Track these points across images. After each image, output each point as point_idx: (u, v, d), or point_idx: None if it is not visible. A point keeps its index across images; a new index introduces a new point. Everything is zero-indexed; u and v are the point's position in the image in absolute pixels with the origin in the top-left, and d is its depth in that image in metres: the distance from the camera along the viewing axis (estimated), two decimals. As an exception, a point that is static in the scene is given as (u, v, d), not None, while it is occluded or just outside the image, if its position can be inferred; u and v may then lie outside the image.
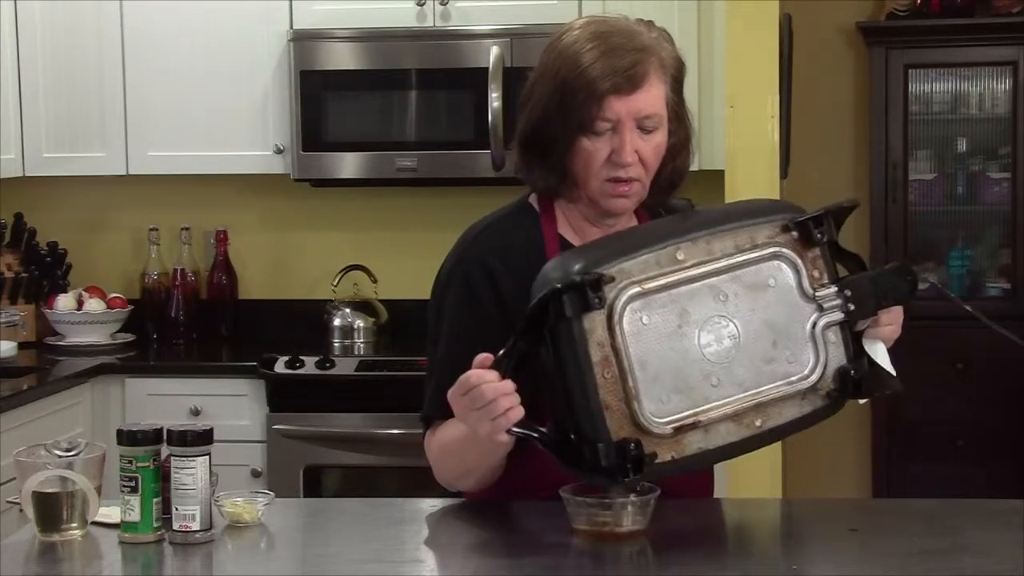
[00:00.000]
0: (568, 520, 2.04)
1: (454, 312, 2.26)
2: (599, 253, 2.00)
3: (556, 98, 2.16)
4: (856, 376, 2.04)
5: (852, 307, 2.05)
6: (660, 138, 2.20)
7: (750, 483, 3.53)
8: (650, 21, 2.24)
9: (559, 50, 2.19)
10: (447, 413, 2.08)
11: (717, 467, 2.36)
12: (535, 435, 1.98)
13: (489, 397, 1.95)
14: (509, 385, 1.96)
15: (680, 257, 1.99)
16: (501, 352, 1.96)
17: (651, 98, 2.16)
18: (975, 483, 4.85)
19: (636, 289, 1.95)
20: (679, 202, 2.37)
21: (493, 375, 1.96)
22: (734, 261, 2.01)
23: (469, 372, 1.97)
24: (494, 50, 4.07)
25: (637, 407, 1.93)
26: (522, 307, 2.01)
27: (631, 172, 2.18)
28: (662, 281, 1.97)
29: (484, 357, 1.98)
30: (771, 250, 2.03)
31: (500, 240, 2.27)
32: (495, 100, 4.05)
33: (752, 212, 2.08)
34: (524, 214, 2.29)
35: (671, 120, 2.21)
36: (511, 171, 4.22)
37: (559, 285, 1.93)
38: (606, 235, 2.20)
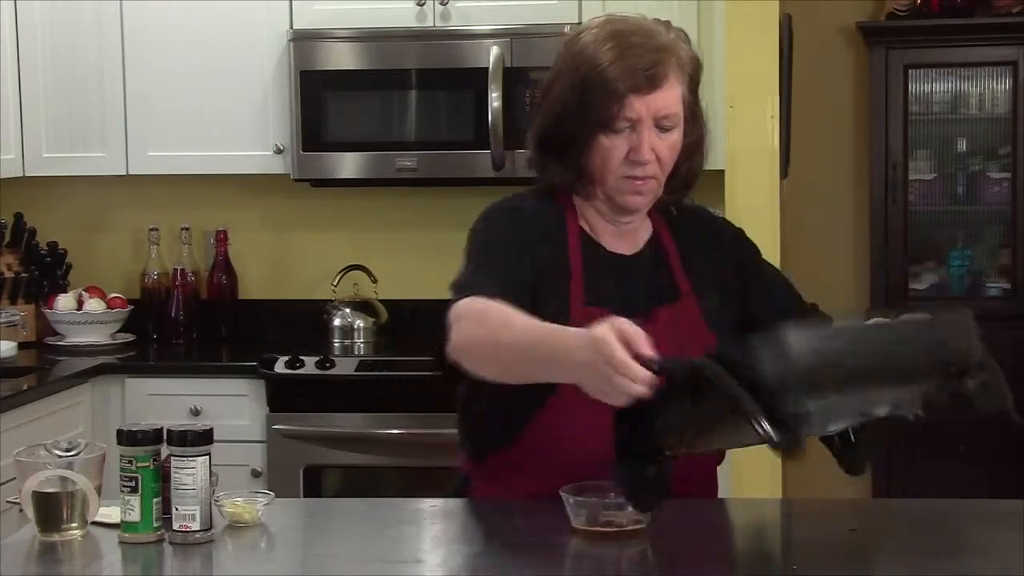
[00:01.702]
0: (568, 520, 2.04)
1: (502, 230, 2.22)
2: (822, 372, 1.80)
3: (576, 96, 2.18)
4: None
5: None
6: (676, 137, 2.21)
7: (750, 483, 3.53)
8: (667, 21, 2.26)
9: (578, 48, 2.20)
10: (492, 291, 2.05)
11: (721, 468, 2.36)
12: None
13: (624, 380, 1.82)
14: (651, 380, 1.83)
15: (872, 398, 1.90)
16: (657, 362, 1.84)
17: (670, 97, 2.18)
18: (975, 484, 4.85)
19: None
20: (691, 203, 2.37)
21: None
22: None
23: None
24: (494, 50, 4.07)
25: None
26: (536, 269, 2.08)
27: (648, 170, 2.20)
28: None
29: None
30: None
31: (526, 212, 2.26)
32: (495, 100, 4.05)
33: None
34: (546, 199, 2.29)
35: (687, 119, 2.23)
36: (511, 171, 4.26)
37: (763, 410, 1.76)
38: (836, 328, 2.07)
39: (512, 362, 2.01)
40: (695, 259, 2.32)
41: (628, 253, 2.30)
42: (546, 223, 2.25)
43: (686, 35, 2.25)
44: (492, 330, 2.03)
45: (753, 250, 2.41)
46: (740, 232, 2.42)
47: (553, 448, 2.19)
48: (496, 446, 2.26)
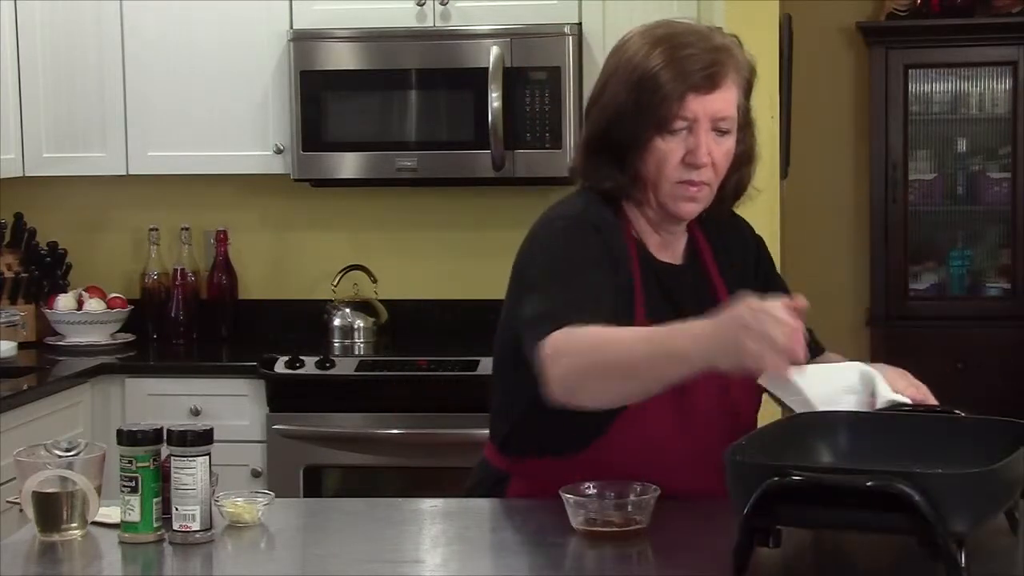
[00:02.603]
0: (568, 520, 2.04)
1: (576, 248, 2.13)
2: None
3: (633, 97, 2.14)
4: None
5: None
6: (731, 143, 2.18)
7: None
8: (719, 28, 2.23)
9: (632, 51, 2.17)
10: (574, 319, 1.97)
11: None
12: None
13: (783, 328, 1.81)
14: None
15: None
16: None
17: (727, 99, 2.15)
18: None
19: None
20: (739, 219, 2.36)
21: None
22: None
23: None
24: (494, 50, 4.07)
25: None
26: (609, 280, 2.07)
27: (704, 175, 2.16)
28: None
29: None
30: None
31: (590, 214, 2.19)
32: (495, 100, 4.05)
33: None
34: (601, 204, 2.22)
35: (740, 127, 2.20)
36: (511, 171, 4.25)
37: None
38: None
39: (628, 379, 1.95)
40: (727, 264, 2.32)
41: (675, 263, 2.28)
42: (614, 234, 2.19)
43: (739, 41, 2.22)
44: (596, 354, 1.96)
45: (771, 260, 2.42)
46: (762, 240, 2.42)
47: (624, 452, 2.16)
48: (565, 449, 2.19)
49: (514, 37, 4.09)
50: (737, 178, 2.24)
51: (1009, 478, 1.83)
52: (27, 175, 4.35)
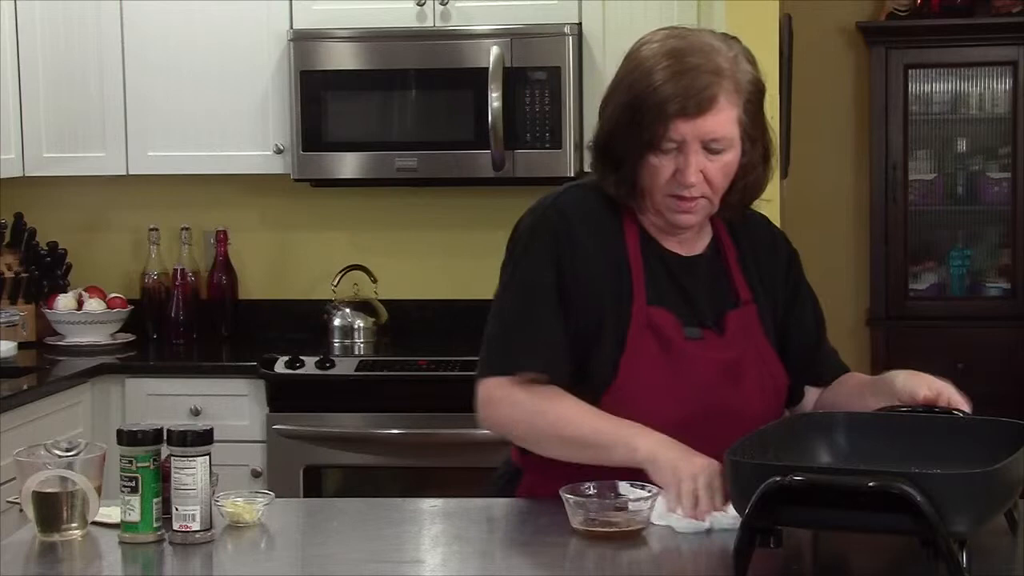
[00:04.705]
0: (568, 520, 2.04)
1: (527, 265, 2.27)
2: None
3: (627, 114, 2.18)
4: None
5: None
6: (729, 158, 2.20)
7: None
8: (734, 37, 2.25)
9: (636, 63, 2.20)
10: (524, 365, 2.19)
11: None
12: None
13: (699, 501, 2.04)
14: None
15: None
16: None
17: (720, 121, 2.17)
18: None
19: None
20: (753, 212, 2.38)
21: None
22: None
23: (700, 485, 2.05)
24: (494, 50, 4.07)
25: None
26: (588, 279, 2.18)
27: (695, 191, 2.19)
28: None
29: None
30: None
31: (576, 207, 2.28)
32: (495, 100, 4.05)
33: None
34: (601, 193, 2.29)
35: (743, 140, 2.21)
36: (511, 171, 4.26)
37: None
38: None
39: (566, 447, 2.17)
40: (753, 266, 2.34)
41: (687, 254, 2.30)
42: (600, 218, 2.26)
43: (751, 54, 2.23)
44: (537, 418, 2.20)
45: (802, 275, 2.42)
46: (795, 253, 2.43)
47: None
48: None
49: (514, 37, 4.09)
50: (744, 185, 2.26)
51: (1009, 478, 1.83)
52: (27, 175, 4.35)
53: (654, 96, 2.15)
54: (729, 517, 2.00)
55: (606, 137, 2.23)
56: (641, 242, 2.26)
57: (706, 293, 2.28)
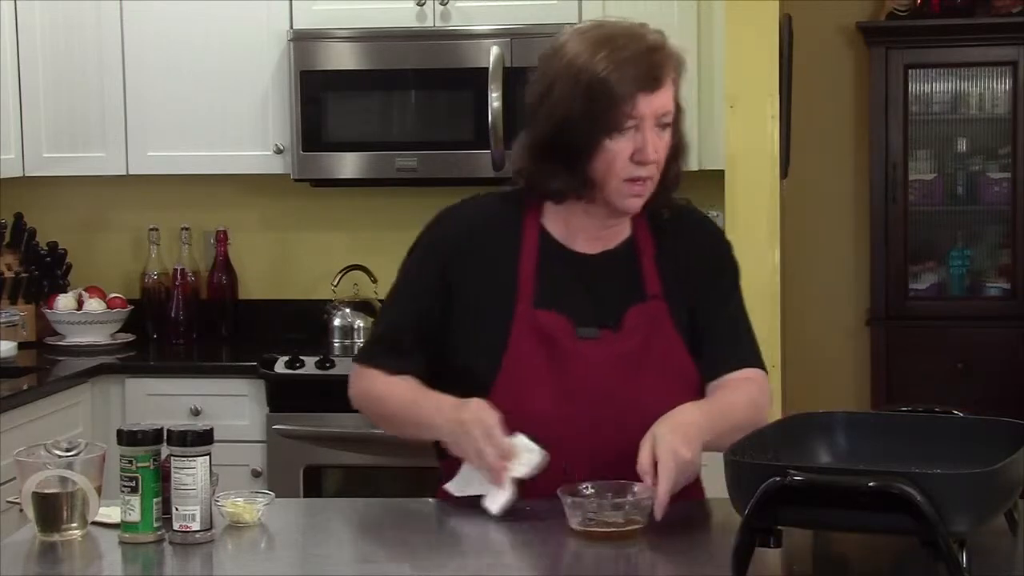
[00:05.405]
0: (567, 520, 2.04)
1: (408, 274, 2.38)
2: None
3: (581, 104, 2.17)
4: None
5: None
6: (669, 136, 2.24)
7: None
8: (644, 24, 2.26)
9: (572, 54, 2.20)
10: (378, 362, 2.34)
11: (716, 467, 2.36)
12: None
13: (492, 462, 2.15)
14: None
15: None
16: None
17: (668, 96, 2.21)
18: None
19: None
20: (686, 204, 2.39)
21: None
22: None
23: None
24: (494, 50, 4.07)
25: None
26: (476, 284, 2.26)
27: (651, 170, 2.21)
28: None
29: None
30: None
31: (474, 215, 2.35)
32: (495, 100, 4.05)
33: None
34: (509, 200, 2.34)
35: (675, 118, 2.24)
36: (511, 171, 4.23)
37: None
38: None
39: (396, 427, 2.37)
40: (670, 259, 2.32)
41: (594, 252, 2.31)
42: (497, 225, 2.31)
43: (665, 35, 2.26)
44: (377, 404, 2.37)
45: (734, 279, 2.39)
46: (728, 250, 2.40)
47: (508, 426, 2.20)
48: None
49: (514, 37, 4.09)
50: (675, 168, 2.29)
51: (1009, 478, 1.83)
52: (27, 175, 4.35)
53: (610, 80, 2.15)
54: (523, 465, 2.12)
55: (553, 133, 2.21)
56: (541, 246, 2.29)
57: (611, 289, 2.29)
